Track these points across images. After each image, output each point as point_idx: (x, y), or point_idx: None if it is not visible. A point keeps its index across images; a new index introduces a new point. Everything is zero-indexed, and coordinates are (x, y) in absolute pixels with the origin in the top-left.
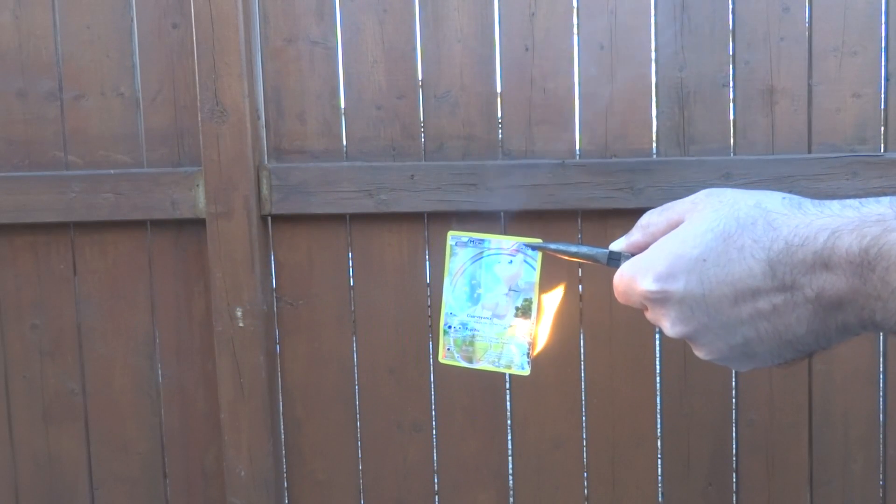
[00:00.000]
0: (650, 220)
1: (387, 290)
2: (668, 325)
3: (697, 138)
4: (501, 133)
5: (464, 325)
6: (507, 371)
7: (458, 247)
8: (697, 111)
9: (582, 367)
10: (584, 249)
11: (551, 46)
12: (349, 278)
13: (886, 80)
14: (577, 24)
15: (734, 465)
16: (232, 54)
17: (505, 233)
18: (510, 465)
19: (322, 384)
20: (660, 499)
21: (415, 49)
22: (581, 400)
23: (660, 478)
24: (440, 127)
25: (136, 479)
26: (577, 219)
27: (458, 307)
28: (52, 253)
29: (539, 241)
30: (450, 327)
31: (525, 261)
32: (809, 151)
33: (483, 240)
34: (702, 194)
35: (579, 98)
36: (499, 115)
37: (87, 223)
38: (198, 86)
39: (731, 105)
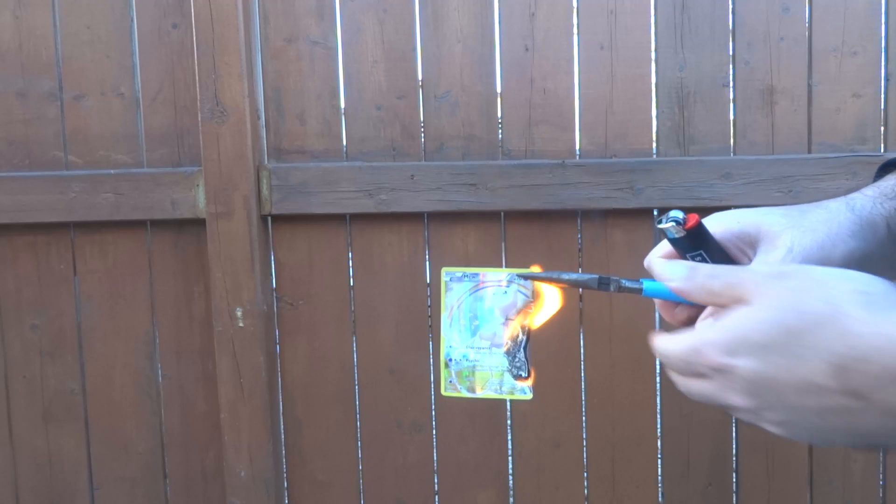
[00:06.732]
0: (714, 284)
1: (387, 290)
2: (736, 397)
3: (697, 138)
4: (501, 133)
5: (464, 357)
6: (510, 397)
7: (453, 282)
8: (697, 111)
9: (582, 367)
10: (574, 276)
11: (551, 46)
12: (349, 278)
13: (886, 80)
14: (577, 24)
15: (734, 465)
16: (232, 54)
17: (505, 233)
18: (510, 465)
19: (322, 384)
20: (660, 499)
21: (415, 49)
22: (581, 400)
23: (660, 478)
24: (440, 127)
25: (136, 479)
26: (577, 219)
27: (457, 340)
28: (52, 253)
29: (529, 271)
30: (450, 360)
31: (518, 290)
32: (809, 151)
33: (476, 274)
34: (767, 275)
35: (579, 98)
36: (499, 115)
37: (87, 223)
38: (198, 86)
39: (731, 105)
